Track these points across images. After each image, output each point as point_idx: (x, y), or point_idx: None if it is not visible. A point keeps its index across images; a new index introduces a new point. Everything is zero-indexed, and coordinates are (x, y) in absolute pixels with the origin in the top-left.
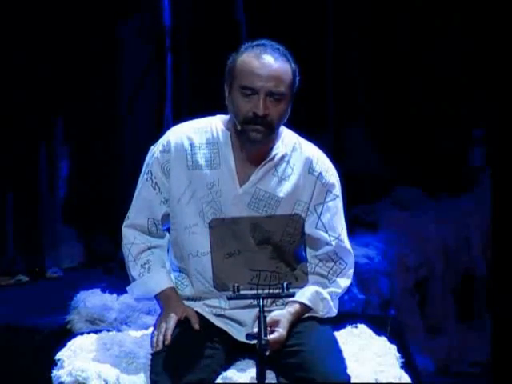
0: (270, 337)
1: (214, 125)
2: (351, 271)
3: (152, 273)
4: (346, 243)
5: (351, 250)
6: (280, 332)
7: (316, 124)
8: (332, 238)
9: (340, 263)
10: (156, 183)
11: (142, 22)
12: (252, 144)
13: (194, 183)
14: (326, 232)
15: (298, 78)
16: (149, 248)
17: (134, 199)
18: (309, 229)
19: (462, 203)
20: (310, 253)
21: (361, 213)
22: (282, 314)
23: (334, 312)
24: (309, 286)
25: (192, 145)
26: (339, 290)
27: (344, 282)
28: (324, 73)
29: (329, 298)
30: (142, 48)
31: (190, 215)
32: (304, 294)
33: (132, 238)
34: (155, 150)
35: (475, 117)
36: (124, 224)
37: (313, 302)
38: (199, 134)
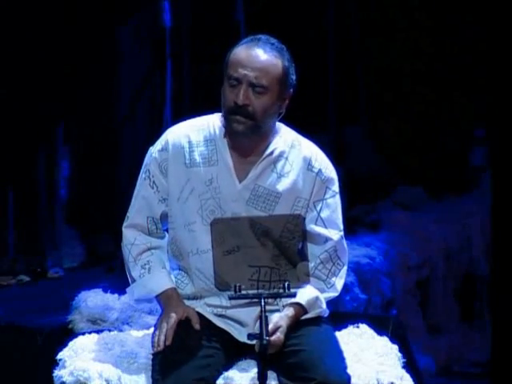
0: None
1: (212, 122)
2: (345, 269)
3: (152, 273)
4: (344, 240)
5: (347, 248)
6: (278, 336)
7: (316, 124)
8: (333, 233)
9: (338, 264)
10: (154, 182)
11: (142, 23)
12: (235, 136)
13: (193, 181)
14: (326, 228)
15: (292, 76)
16: (149, 249)
17: (133, 199)
18: (308, 225)
19: (464, 203)
20: (311, 251)
21: (362, 213)
22: (281, 318)
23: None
24: (310, 287)
25: (190, 143)
26: (336, 294)
27: (340, 283)
28: (325, 73)
29: (324, 307)
30: (142, 49)
31: (188, 213)
32: (304, 296)
33: (132, 239)
34: (153, 149)
35: (476, 117)
36: (124, 224)
37: (311, 307)
38: (197, 131)
